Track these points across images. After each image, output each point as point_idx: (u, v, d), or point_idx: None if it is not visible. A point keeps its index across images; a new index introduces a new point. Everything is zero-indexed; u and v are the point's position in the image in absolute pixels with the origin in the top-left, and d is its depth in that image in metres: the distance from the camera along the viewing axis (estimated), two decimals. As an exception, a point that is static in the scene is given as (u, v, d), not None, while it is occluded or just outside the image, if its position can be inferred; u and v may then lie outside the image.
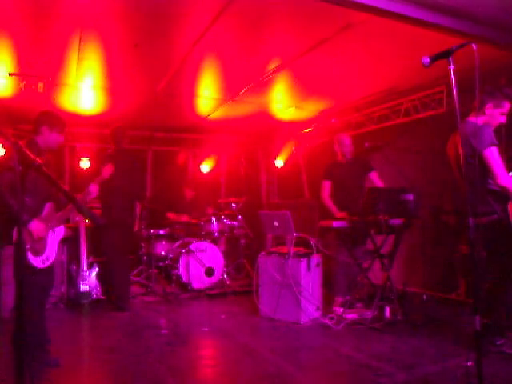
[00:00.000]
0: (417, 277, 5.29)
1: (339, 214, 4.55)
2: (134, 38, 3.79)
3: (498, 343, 3.19)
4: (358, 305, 4.62)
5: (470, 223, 2.13)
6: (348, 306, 4.41)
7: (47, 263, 3.07)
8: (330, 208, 4.76)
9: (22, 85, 4.62)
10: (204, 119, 6.62)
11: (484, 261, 3.35)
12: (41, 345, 3.13)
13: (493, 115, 3.25)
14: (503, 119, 3.30)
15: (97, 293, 5.03)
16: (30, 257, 2.93)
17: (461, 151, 3.10)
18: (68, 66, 4.31)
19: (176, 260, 5.85)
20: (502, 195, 3.12)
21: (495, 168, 3.08)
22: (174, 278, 5.84)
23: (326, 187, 4.89)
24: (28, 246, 2.90)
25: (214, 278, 5.96)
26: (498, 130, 3.30)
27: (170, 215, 6.49)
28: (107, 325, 4.42)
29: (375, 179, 4.82)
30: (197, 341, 4.04)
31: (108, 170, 3.50)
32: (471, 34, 3.43)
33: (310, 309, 4.29)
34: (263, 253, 4.71)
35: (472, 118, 3.32)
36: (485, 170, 3.14)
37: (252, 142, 8.24)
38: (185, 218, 6.42)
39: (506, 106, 3.25)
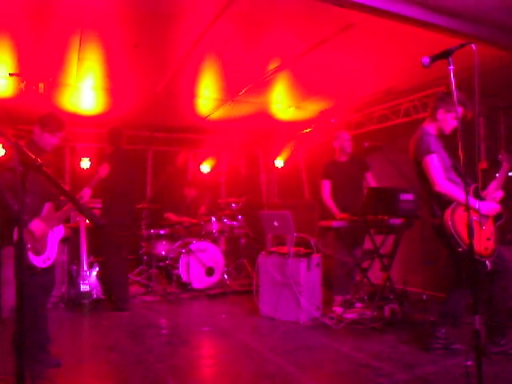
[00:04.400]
0: (416, 277, 5.29)
1: (340, 215, 4.54)
2: (134, 39, 3.80)
3: (502, 343, 3.19)
4: (358, 304, 4.62)
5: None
6: (348, 305, 4.41)
7: (48, 263, 3.08)
8: (330, 208, 4.75)
9: (22, 85, 4.63)
10: (204, 119, 6.62)
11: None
12: (41, 345, 3.14)
13: (445, 120, 3.30)
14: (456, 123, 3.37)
15: (97, 292, 5.03)
16: (32, 256, 2.93)
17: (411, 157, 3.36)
18: (68, 66, 4.32)
19: (176, 260, 5.85)
20: (442, 201, 3.17)
21: (432, 174, 3.16)
22: (174, 277, 5.84)
23: (326, 186, 4.88)
24: (29, 246, 2.91)
25: (214, 278, 5.97)
26: (496, 131, 3.33)
27: (170, 216, 6.48)
28: (107, 324, 4.42)
29: (370, 180, 4.84)
30: (197, 340, 4.04)
31: (104, 170, 3.50)
32: (471, 35, 3.44)
33: (309, 308, 4.30)
34: (263, 253, 4.72)
35: (424, 124, 3.43)
36: (426, 177, 3.24)
37: (252, 142, 8.24)
38: (185, 219, 6.42)
39: (459, 110, 3.27)
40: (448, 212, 3.09)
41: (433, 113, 3.34)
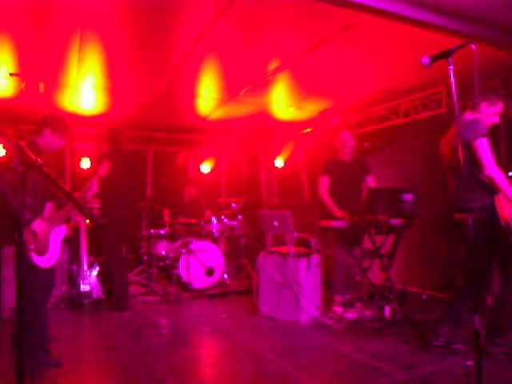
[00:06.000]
0: (416, 276, 5.29)
1: (339, 213, 4.54)
2: (134, 39, 3.80)
3: (501, 343, 3.19)
4: (358, 304, 4.62)
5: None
6: (348, 305, 4.42)
7: (51, 263, 3.09)
8: (329, 205, 4.72)
9: (22, 85, 4.63)
10: (204, 119, 6.63)
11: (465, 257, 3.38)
12: (42, 345, 3.14)
13: (487, 114, 3.32)
14: (497, 119, 3.38)
15: (97, 292, 5.04)
16: (35, 257, 2.93)
17: (453, 145, 3.29)
18: (69, 66, 4.32)
19: (176, 260, 5.85)
20: (491, 188, 3.16)
21: (484, 158, 3.13)
22: (174, 277, 5.84)
23: (324, 183, 4.85)
24: (32, 247, 2.91)
25: (215, 278, 5.97)
26: (495, 131, 3.34)
27: (165, 212, 6.51)
28: (108, 324, 4.42)
29: (370, 182, 4.82)
30: (197, 340, 4.04)
31: (104, 168, 3.50)
32: (470, 35, 3.44)
33: (309, 308, 4.30)
34: (263, 253, 4.72)
35: (467, 115, 3.41)
36: (475, 162, 3.19)
37: (252, 142, 8.24)
38: (180, 220, 6.44)
39: (499, 105, 3.34)
40: (500, 199, 3.09)
41: (474, 105, 3.32)
